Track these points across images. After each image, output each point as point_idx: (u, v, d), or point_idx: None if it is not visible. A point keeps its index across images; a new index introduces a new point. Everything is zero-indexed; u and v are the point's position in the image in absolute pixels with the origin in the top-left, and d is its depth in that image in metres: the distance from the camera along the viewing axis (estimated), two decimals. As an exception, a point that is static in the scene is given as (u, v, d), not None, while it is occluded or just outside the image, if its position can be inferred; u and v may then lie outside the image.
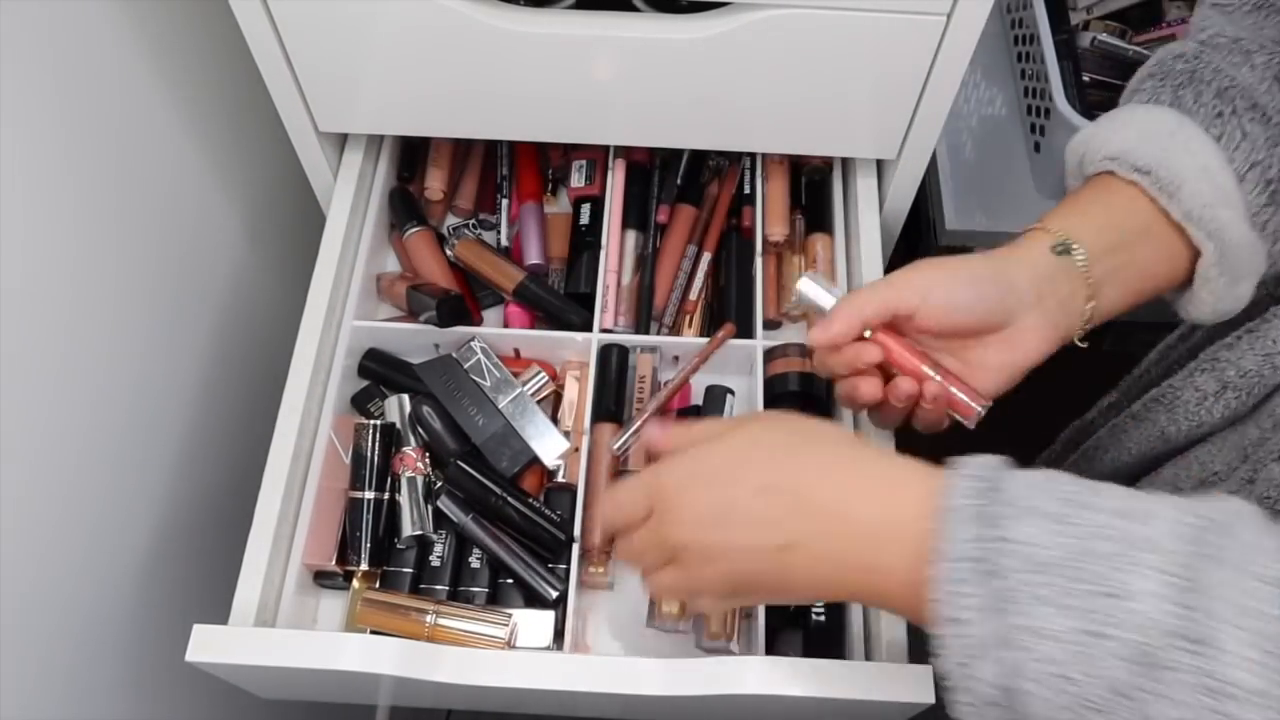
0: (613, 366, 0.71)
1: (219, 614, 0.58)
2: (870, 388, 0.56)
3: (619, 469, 0.69)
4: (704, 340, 0.73)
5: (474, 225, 0.83)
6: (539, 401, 0.71)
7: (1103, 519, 0.38)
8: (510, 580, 0.66)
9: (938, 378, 0.54)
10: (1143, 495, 0.40)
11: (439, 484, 0.68)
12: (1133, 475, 0.66)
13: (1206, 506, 0.39)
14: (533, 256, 0.78)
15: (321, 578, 0.67)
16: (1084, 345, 0.56)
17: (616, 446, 0.67)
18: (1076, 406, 0.79)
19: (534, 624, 0.63)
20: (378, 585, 0.66)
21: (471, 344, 0.71)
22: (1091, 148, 0.57)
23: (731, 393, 0.70)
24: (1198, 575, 0.36)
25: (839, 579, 0.45)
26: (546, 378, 0.72)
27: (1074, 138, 0.59)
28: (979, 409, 0.55)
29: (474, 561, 0.67)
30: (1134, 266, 0.55)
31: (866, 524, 0.44)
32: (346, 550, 0.66)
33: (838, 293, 0.58)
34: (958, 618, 0.39)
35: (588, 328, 0.72)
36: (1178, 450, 0.62)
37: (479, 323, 0.77)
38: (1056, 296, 0.53)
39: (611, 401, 0.70)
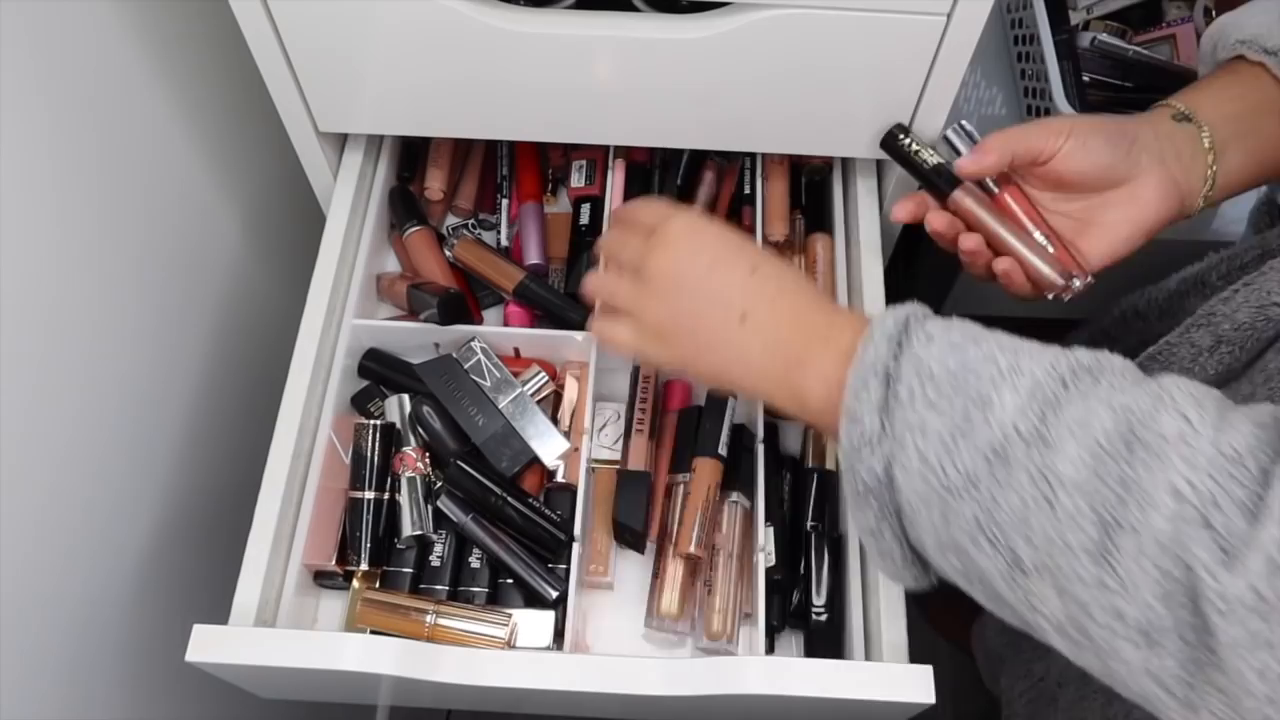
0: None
1: (219, 614, 0.58)
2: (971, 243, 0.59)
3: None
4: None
5: (474, 225, 0.83)
6: (539, 401, 0.71)
7: (992, 350, 0.44)
8: (510, 580, 0.66)
9: (1039, 234, 0.57)
10: (1035, 343, 0.45)
11: (439, 484, 0.68)
12: None
13: (1089, 354, 0.43)
14: (533, 256, 0.78)
15: (321, 578, 0.67)
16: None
17: None
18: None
19: (534, 624, 0.63)
20: (378, 585, 0.66)
21: (472, 344, 0.71)
22: (1225, 34, 0.59)
23: (734, 397, 0.70)
24: (1057, 397, 0.41)
25: (767, 367, 0.50)
26: (546, 377, 0.72)
27: (1210, 26, 0.61)
28: (1062, 281, 0.57)
29: (474, 561, 0.67)
30: (1258, 136, 0.57)
31: (812, 327, 0.50)
32: (346, 550, 0.66)
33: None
34: (856, 413, 0.44)
35: (587, 327, 0.72)
36: None
37: (479, 322, 0.77)
38: (1179, 156, 0.56)
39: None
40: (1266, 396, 0.53)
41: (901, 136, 0.62)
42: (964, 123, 0.61)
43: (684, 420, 0.71)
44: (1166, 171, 0.56)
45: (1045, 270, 0.57)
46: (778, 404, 0.51)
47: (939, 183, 0.60)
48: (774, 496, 0.69)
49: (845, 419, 0.45)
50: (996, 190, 0.60)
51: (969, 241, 0.59)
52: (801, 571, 0.67)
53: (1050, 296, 0.59)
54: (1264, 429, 0.38)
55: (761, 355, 0.50)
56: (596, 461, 0.71)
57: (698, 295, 0.52)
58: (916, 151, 0.62)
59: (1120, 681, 0.39)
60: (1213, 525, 0.35)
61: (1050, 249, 0.58)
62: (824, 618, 0.65)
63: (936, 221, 0.60)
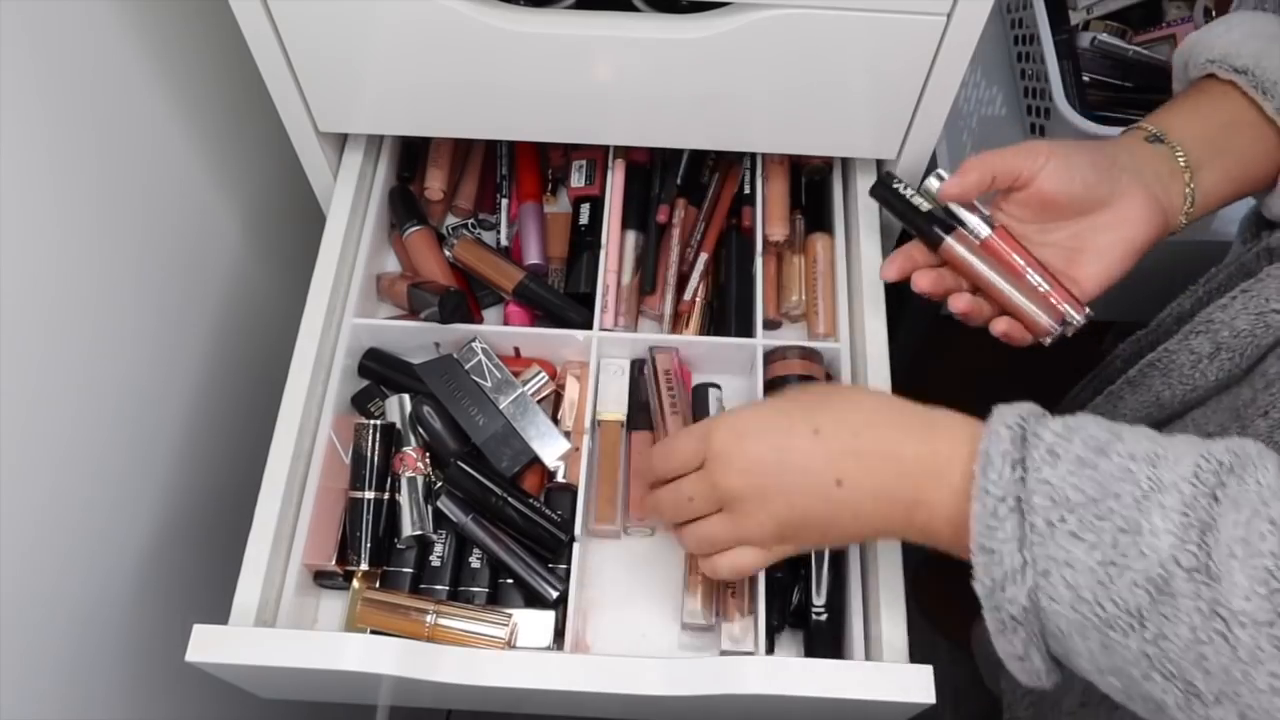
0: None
1: (219, 614, 0.58)
2: (962, 304, 0.59)
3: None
4: (708, 338, 0.73)
5: (474, 225, 0.83)
6: (539, 401, 0.71)
7: (1125, 463, 0.42)
8: (510, 580, 0.66)
9: (1034, 275, 0.57)
10: (1164, 438, 0.43)
11: (439, 484, 0.68)
12: None
13: (1223, 448, 0.41)
14: (532, 256, 0.78)
15: (321, 578, 0.67)
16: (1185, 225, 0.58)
17: None
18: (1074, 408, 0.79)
19: (534, 624, 0.63)
20: (378, 585, 0.66)
21: (473, 344, 0.71)
22: (1196, 52, 0.59)
23: (716, 387, 0.70)
24: (1211, 516, 0.39)
25: (886, 514, 0.48)
26: (547, 377, 0.72)
27: (1182, 42, 0.61)
28: (1059, 328, 0.57)
29: (474, 561, 0.67)
30: (1231, 154, 0.57)
31: (914, 461, 0.47)
32: (346, 550, 0.66)
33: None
34: (991, 548, 0.43)
35: (588, 327, 0.72)
36: (1173, 416, 0.63)
37: (479, 322, 0.77)
38: (1157, 176, 0.56)
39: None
40: (1268, 402, 0.53)
41: (894, 183, 0.61)
42: (942, 171, 0.61)
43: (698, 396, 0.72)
44: (1148, 190, 0.56)
45: (1042, 319, 0.57)
46: (911, 539, 0.50)
47: (930, 230, 0.59)
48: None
49: (980, 555, 0.43)
50: (989, 232, 0.59)
51: (960, 303, 0.58)
52: (801, 571, 0.67)
53: (1048, 341, 0.58)
54: None
55: (875, 508, 0.49)
56: (603, 418, 0.71)
57: (788, 492, 0.50)
58: (910, 197, 0.61)
59: None
60: None
61: (1046, 288, 0.58)
62: (824, 618, 0.65)
63: (923, 282, 0.59)
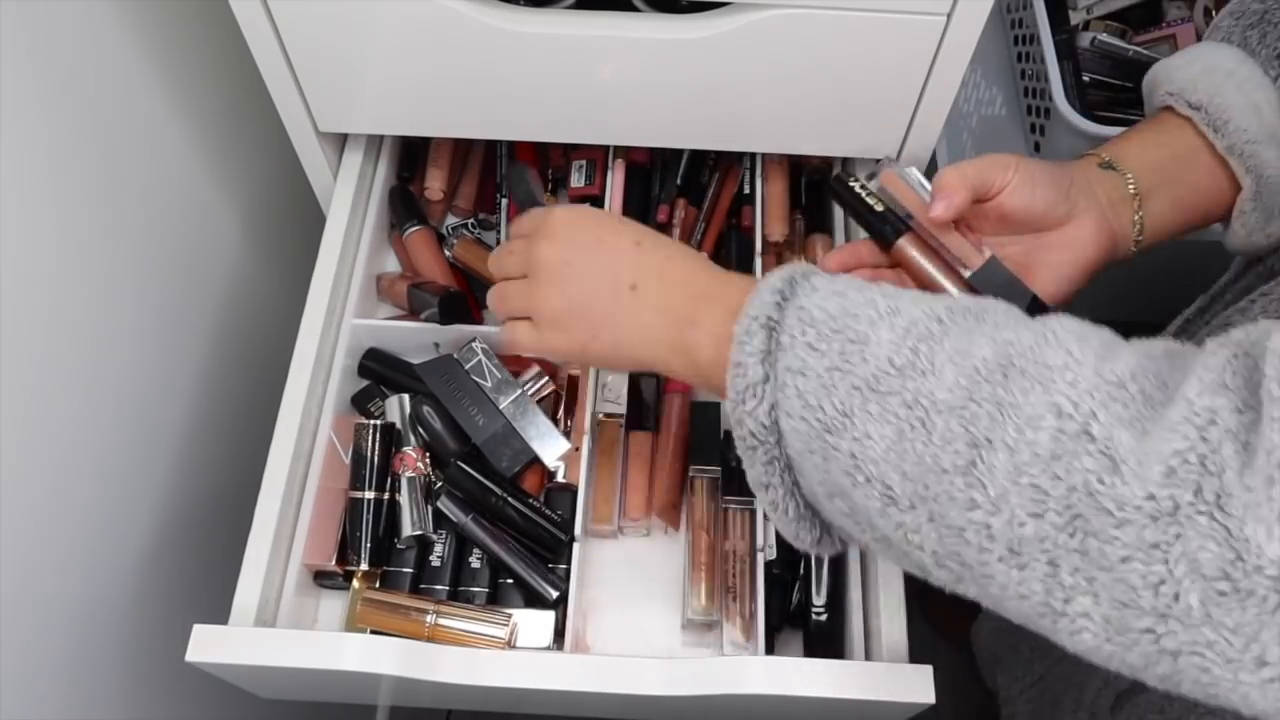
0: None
1: (219, 614, 0.58)
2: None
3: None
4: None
5: (474, 225, 0.83)
6: (539, 401, 0.71)
7: (874, 296, 0.44)
8: (510, 580, 0.66)
9: (988, 252, 0.57)
10: (920, 291, 0.46)
11: (439, 484, 0.68)
12: None
13: (967, 298, 0.44)
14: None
15: (321, 578, 0.67)
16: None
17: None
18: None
19: (534, 624, 0.63)
20: (378, 585, 0.66)
21: (473, 345, 0.71)
22: (1157, 82, 0.60)
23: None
24: (932, 333, 0.41)
25: (661, 329, 0.50)
26: (546, 377, 0.72)
27: (1149, 72, 0.62)
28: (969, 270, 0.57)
29: (474, 561, 0.67)
30: (1181, 185, 0.58)
31: (703, 288, 0.50)
32: (346, 550, 0.66)
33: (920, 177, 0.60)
34: (739, 361, 0.45)
35: (588, 328, 0.72)
36: None
37: (479, 322, 0.77)
38: (1109, 198, 0.57)
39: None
40: None
41: (851, 181, 0.60)
42: (912, 170, 0.60)
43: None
44: (1101, 214, 0.56)
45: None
46: (672, 369, 0.51)
47: (883, 230, 0.59)
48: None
49: (731, 370, 0.45)
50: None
51: None
52: (801, 571, 0.67)
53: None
54: (1151, 359, 0.38)
55: (653, 320, 0.51)
56: (606, 415, 0.71)
57: (586, 276, 0.52)
58: (866, 197, 0.60)
59: (1002, 608, 0.40)
60: (1096, 438, 0.35)
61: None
62: (824, 617, 0.65)
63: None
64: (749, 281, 0.49)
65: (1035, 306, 0.55)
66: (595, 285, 0.52)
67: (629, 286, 0.51)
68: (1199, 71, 0.57)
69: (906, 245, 0.58)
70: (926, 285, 0.57)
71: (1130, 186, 0.57)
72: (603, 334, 0.52)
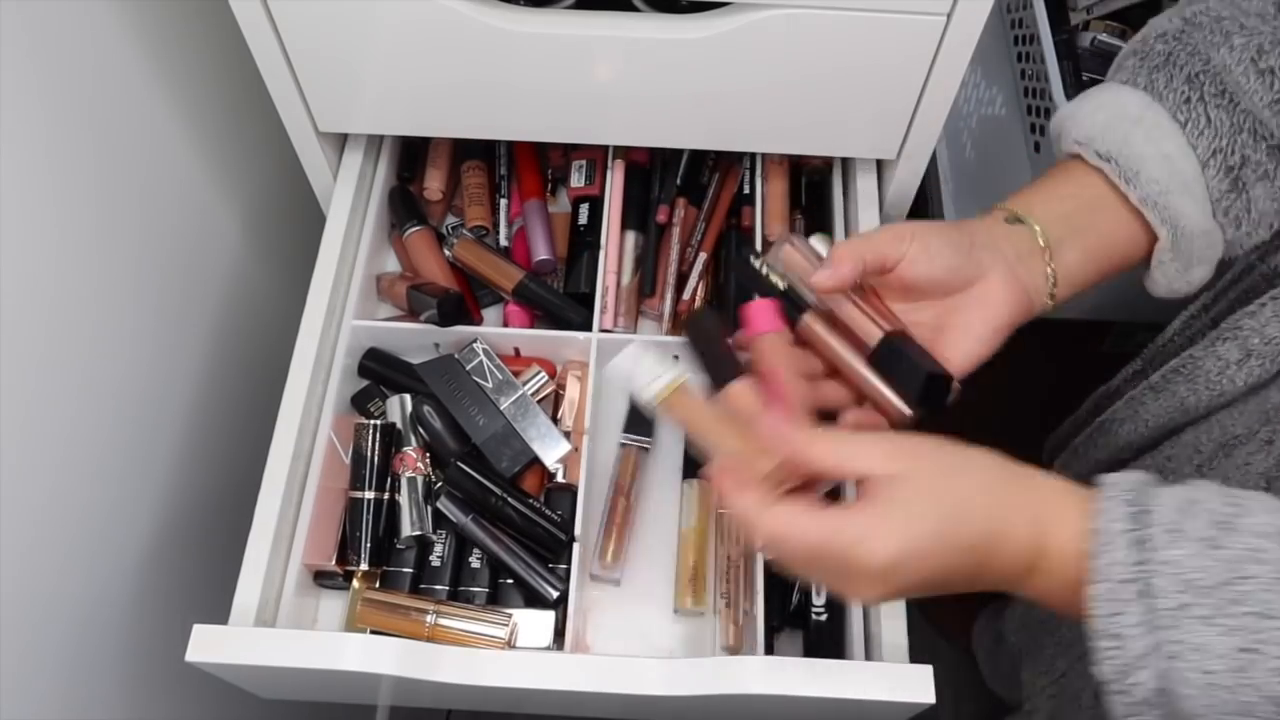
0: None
1: (219, 614, 0.58)
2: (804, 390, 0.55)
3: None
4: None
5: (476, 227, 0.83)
6: (539, 401, 0.71)
7: (1256, 541, 0.40)
8: (510, 580, 0.66)
9: (887, 327, 0.54)
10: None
11: (439, 484, 0.68)
12: (1152, 443, 0.67)
13: None
14: (541, 252, 0.78)
15: (321, 578, 0.67)
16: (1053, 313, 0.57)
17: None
18: (1075, 408, 0.79)
19: (534, 624, 0.63)
20: (378, 585, 0.66)
21: (474, 345, 0.71)
22: (1065, 130, 0.58)
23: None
24: None
25: (1001, 580, 0.46)
26: (547, 377, 0.72)
27: (1054, 116, 0.60)
28: (909, 412, 0.54)
29: (474, 561, 0.67)
30: (1093, 233, 0.56)
31: (1024, 554, 0.45)
32: (346, 550, 0.66)
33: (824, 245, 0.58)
34: (1116, 633, 0.41)
35: (587, 327, 0.72)
36: (1196, 419, 0.63)
37: (479, 322, 0.77)
38: (1019, 256, 0.55)
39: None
40: None
41: (753, 258, 0.58)
42: (817, 241, 0.59)
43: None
44: (1009, 269, 0.55)
45: (896, 404, 0.53)
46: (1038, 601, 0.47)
47: (789, 309, 0.56)
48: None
49: (1104, 640, 0.41)
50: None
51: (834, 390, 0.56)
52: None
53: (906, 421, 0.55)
54: None
55: (992, 580, 0.46)
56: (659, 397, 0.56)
57: (898, 592, 0.47)
58: (768, 275, 0.57)
59: None
60: None
61: (874, 381, 0.55)
62: (824, 618, 0.65)
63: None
64: (1061, 524, 0.44)
65: (936, 382, 0.52)
66: (915, 591, 0.46)
67: (941, 586, 0.46)
68: (1106, 119, 0.56)
69: (812, 322, 0.55)
70: (834, 363, 0.55)
71: (1040, 239, 0.55)
72: (937, 591, 0.47)
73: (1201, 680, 0.39)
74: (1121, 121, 0.56)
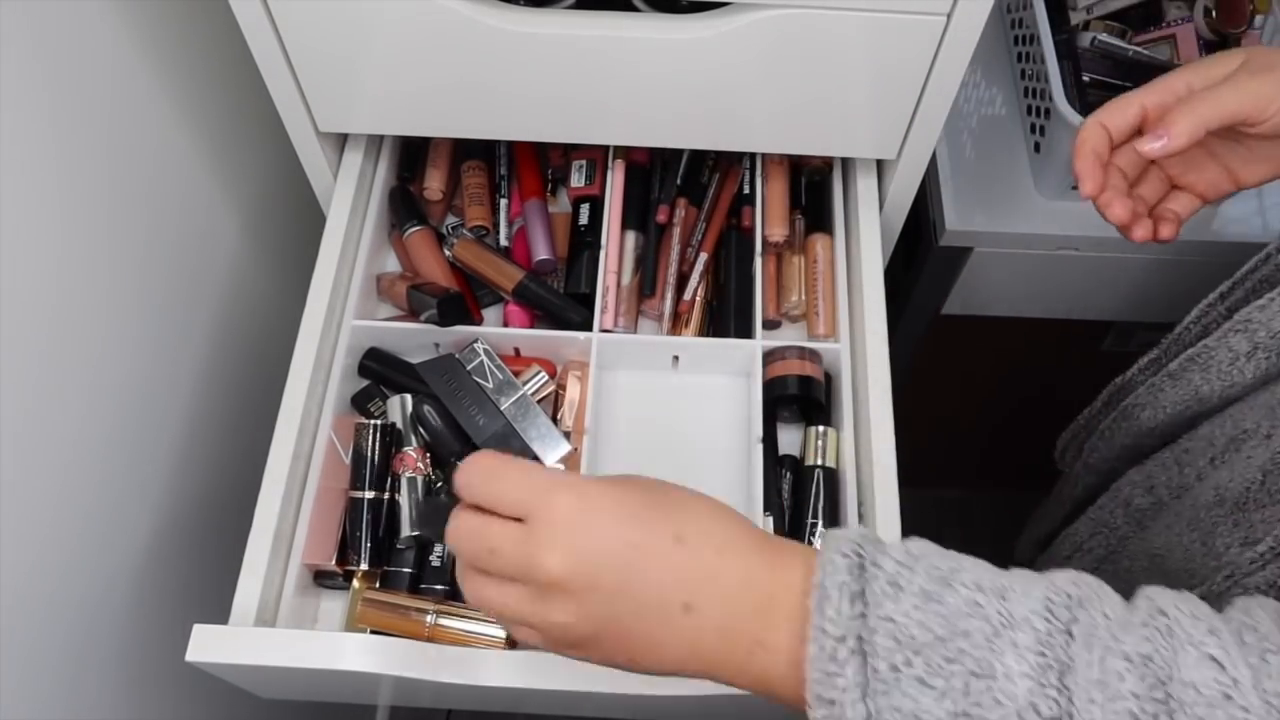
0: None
1: (219, 614, 0.58)
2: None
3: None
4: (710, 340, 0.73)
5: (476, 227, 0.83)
6: (539, 401, 0.71)
7: (973, 595, 0.38)
8: (510, 580, 0.66)
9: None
10: (1004, 571, 0.40)
11: (439, 484, 0.68)
12: (1170, 433, 0.68)
13: (1068, 580, 0.39)
14: (542, 251, 0.78)
15: (321, 578, 0.67)
16: None
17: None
18: (1077, 410, 0.79)
19: (534, 624, 0.63)
20: (378, 585, 0.66)
21: (475, 345, 0.71)
22: None
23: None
24: (1069, 655, 0.36)
25: (725, 654, 0.41)
26: (547, 377, 0.72)
27: None
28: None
29: (474, 561, 0.67)
30: None
31: (763, 590, 0.41)
32: (346, 550, 0.66)
33: None
34: (831, 699, 0.37)
35: (587, 327, 0.72)
36: (1212, 410, 0.64)
37: (479, 322, 0.77)
38: None
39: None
40: None
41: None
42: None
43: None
44: None
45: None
46: (737, 685, 0.42)
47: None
48: (772, 488, 0.69)
49: (818, 706, 0.38)
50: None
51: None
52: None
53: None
54: None
55: (715, 644, 0.41)
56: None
57: (620, 598, 0.40)
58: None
59: None
60: None
61: None
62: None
63: None
64: (793, 578, 0.41)
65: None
66: (635, 610, 0.41)
67: (681, 607, 0.40)
68: None
69: None
70: None
71: None
72: (649, 659, 0.42)
73: None
74: None
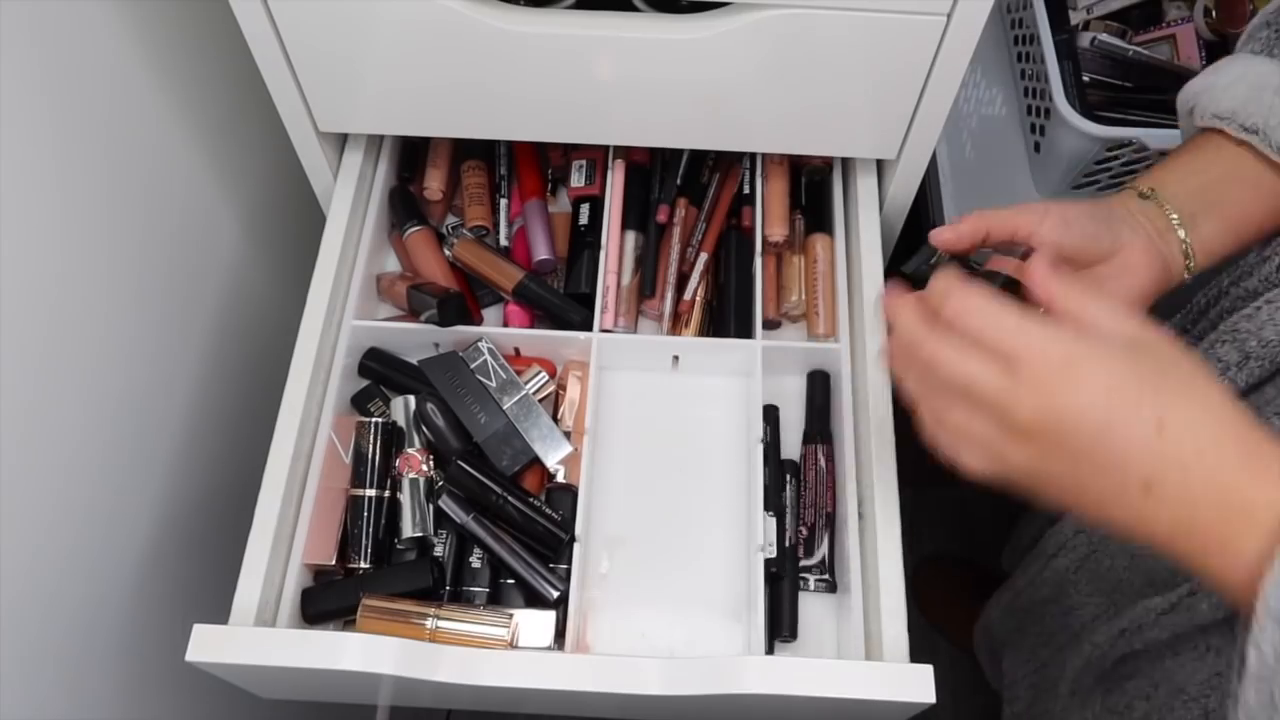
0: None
1: (219, 614, 0.58)
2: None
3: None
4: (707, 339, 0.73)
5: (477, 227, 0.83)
6: (540, 401, 0.71)
7: None
8: (511, 580, 0.66)
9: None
10: None
11: (440, 483, 0.68)
12: None
13: None
14: (542, 251, 0.78)
15: (322, 578, 0.67)
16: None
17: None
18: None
19: (535, 624, 0.63)
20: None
21: (479, 344, 0.71)
22: (1201, 104, 0.59)
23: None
24: None
25: (1188, 547, 0.42)
26: (548, 377, 0.72)
27: (1185, 88, 0.61)
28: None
29: (474, 561, 0.67)
30: (1233, 204, 0.57)
31: (1238, 498, 0.41)
32: (347, 549, 0.66)
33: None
34: None
35: (587, 327, 0.72)
36: None
37: (479, 322, 0.77)
38: (1154, 225, 0.57)
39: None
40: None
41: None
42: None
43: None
44: (1149, 240, 0.56)
45: None
46: (1184, 569, 0.43)
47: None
48: (774, 487, 0.69)
49: (1272, 624, 0.38)
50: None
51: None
52: (801, 571, 0.67)
53: None
54: None
55: (1170, 531, 0.42)
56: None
57: (1085, 460, 0.42)
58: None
59: None
60: None
61: None
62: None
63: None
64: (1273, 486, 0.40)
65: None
66: (1095, 473, 0.42)
67: (1141, 485, 0.41)
68: (1246, 92, 0.56)
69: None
70: None
71: (1172, 216, 0.57)
72: (1094, 512, 0.44)
73: None
74: (1263, 93, 0.56)
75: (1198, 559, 0.42)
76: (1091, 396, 0.42)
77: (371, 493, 0.66)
